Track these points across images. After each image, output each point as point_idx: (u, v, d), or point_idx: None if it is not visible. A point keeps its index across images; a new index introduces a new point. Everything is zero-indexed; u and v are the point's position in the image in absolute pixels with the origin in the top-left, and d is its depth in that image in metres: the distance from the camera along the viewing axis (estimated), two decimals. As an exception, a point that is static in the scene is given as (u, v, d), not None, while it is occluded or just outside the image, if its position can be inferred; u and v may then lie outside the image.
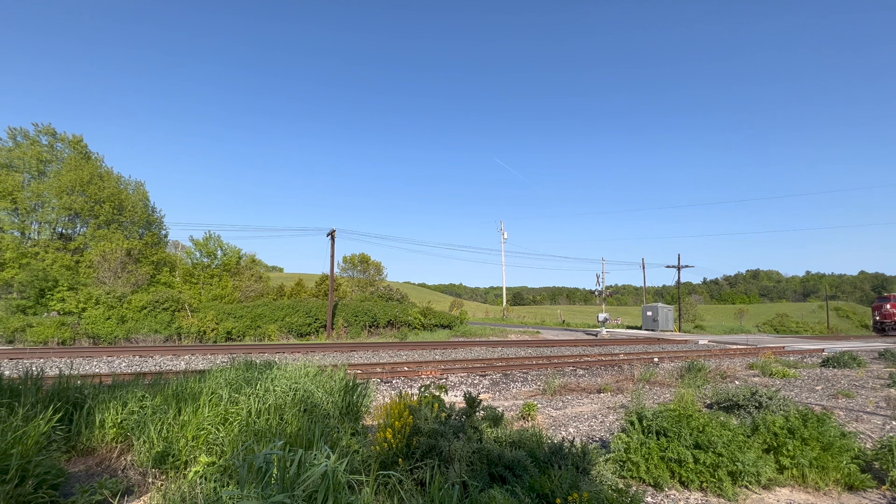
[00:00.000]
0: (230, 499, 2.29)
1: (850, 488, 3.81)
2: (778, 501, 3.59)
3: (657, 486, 3.67)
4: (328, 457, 2.56)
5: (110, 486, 3.18)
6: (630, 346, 20.89)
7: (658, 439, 3.90)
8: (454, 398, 7.38)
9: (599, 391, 8.49)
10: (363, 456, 3.27)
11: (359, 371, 9.61)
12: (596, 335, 29.07)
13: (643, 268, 46.10)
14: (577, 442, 3.81)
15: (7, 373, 6.36)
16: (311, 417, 4.04)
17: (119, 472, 3.62)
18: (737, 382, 9.68)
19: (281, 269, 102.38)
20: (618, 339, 25.98)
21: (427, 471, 2.99)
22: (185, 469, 3.44)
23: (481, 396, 7.60)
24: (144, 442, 3.71)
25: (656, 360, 14.26)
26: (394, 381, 9.21)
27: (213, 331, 21.41)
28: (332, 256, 26.79)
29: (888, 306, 39.05)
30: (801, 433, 4.06)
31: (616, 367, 12.42)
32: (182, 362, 10.86)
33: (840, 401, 7.83)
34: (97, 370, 9.36)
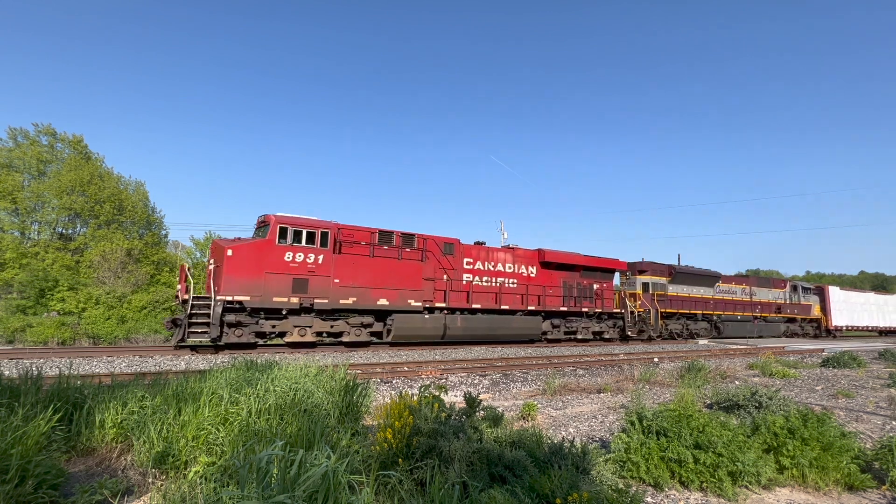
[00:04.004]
0: (230, 499, 2.30)
1: (850, 488, 3.81)
2: (778, 501, 3.59)
3: (657, 486, 3.67)
4: (328, 457, 2.56)
5: (110, 486, 3.18)
6: (630, 345, 20.86)
7: (658, 439, 3.90)
8: (454, 398, 7.37)
9: (599, 391, 8.49)
10: (363, 456, 3.27)
11: (359, 371, 9.60)
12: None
13: (643, 268, 46.25)
14: (577, 442, 3.81)
15: (7, 373, 6.36)
16: (312, 417, 4.03)
17: (119, 472, 3.62)
18: (737, 382, 9.67)
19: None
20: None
21: (427, 471, 2.99)
22: (186, 469, 3.44)
23: (481, 396, 7.59)
24: (144, 442, 3.71)
25: (656, 360, 14.26)
26: (394, 381, 9.21)
27: (213, 331, 21.37)
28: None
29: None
30: (801, 433, 4.06)
31: (616, 367, 12.41)
32: (182, 362, 10.85)
33: (840, 401, 7.83)
34: (97, 370, 9.34)
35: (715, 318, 26.70)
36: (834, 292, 35.13)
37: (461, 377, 10.11)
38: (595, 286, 21.24)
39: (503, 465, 3.20)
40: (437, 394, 3.86)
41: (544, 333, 19.59)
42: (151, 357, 11.50)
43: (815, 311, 33.46)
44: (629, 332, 21.99)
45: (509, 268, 18.88)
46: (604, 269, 21.70)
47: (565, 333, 20.25)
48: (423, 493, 2.82)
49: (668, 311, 24.19)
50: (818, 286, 35.49)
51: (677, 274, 25.37)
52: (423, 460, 3.10)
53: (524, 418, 5.95)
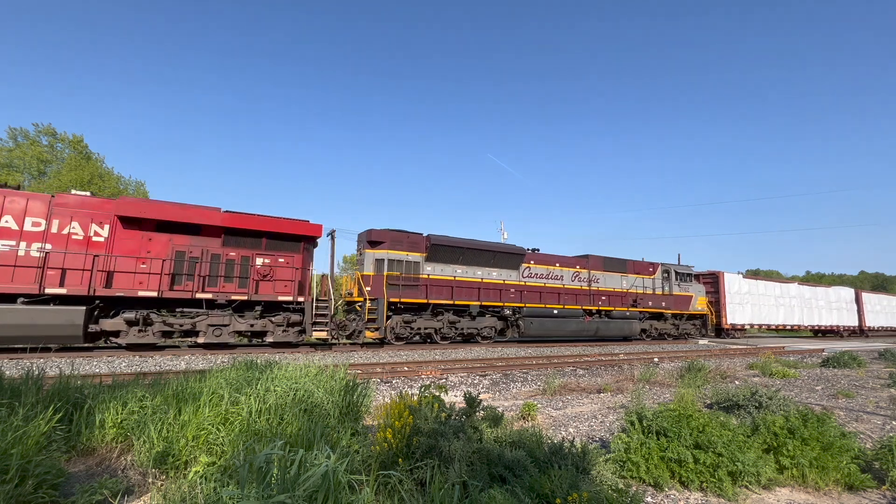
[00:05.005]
0: (230, 499, 2.30)
1: (850, 488, 3.81)
2: (778, 501, 3.59)
3: (657, 486, 3.67)
4: (328, 457, 2.56)
5: (110, 486, 3.18)
6: (630, 345, 20.87)
7: (658, 439, 3.90)
8: (454, 398, 7.38)
9: (599, 391, 8.49)
10: (363, 456, 3.27)
11: (359, 371, 9.61)
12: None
13: (643, 268, 45.87)
14: (577, 442, 3.81)
15: (8, 373, 6.37)
16: (312, 417, 4.04)
17: (119, 472, 3.62)
18: (737, 382, 9.68)
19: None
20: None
21: (427, 471, 2.99)
22: (186, 469, 3.44)
23: (481, 396, 7.60)
24: (144, 442, 3.72)
25: (656, 360, 14.27)
26: (394, 381, 9.21)
27: (213, 331, 21.34)
28: (332, 256, 26.64)
29: None
30: (801, 433, 4.06)
31: (616, 367, 12.42)
32: (182, 362, 10.85)
33: (840, 401, 7.83)
34: (97, 370, 9.35)
35: (509, 311, 18.63)
36: (731, 281, 27.94)
37: (461, 377, 10.12)
38: (261, 261, 13.62)
39: (503, 465, 3.20)
40: (437, 394, 3.87)
41: (105, 335, 12.03)
42: (151, 357, 11.51)
43: (699, 305, 25.46)
44: (317, 332, 14.32)
45: (33, 225, 11.06)
46: (275, 236, 13.91)
47: (168, 335, 12.57)
48: (424, 493, 2.82)
49: (415, 300, 16.42)
50: (711, 273, 28.24)
51: (437, 248, 17.23)
52: (423, 460, 3.11)
53: (524, 418, 5.96)
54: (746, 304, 28.26)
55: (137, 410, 4.19)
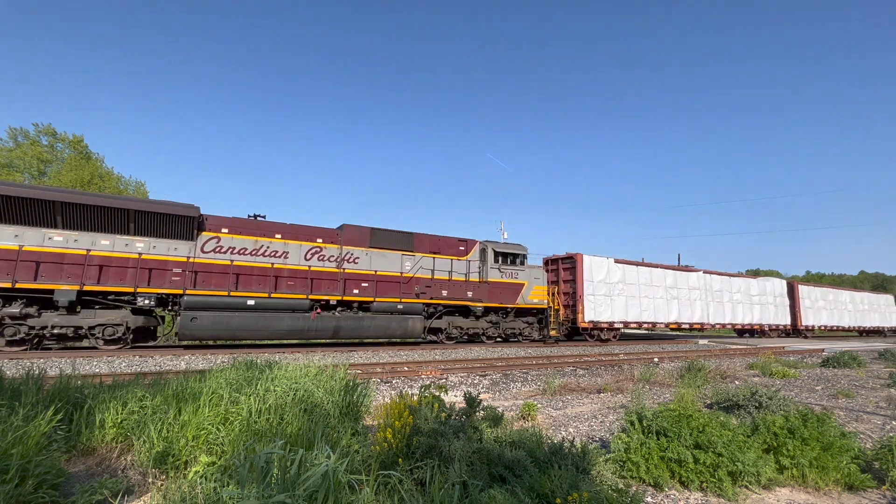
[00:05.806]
0: (230, 499, 2.30)
1: (850, 488, 3.81)
2: (778, 501, 3.60)
3: (657, 486, 3.67)
4: (328, 457, 2.56)
5: (110, 485, 3.19)
6: (630, 345, 20.87)
7: (658, 439, 3.90)
8: (454, 398, 7.38)
9: (599, 391, 8.49)
10: (363, 456, 3.27)
11: (359, 371, 9.60)
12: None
13: (643, 268, 45.56)
14: (577, 442, 3.81)
15: (8, 373, 6.37)
16: (312, 417, 4.04)
17: (119, 472, 3.62)
18: (737, 382, 9.68)
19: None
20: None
21: (427, 470, 2.99)
22: (186, 469, 3.44)
23: (481, 396, 7.60)
24: (144, 442, 3.72)
25: (656, 360, 14.27)
26: (394, 381, 9.21)
27: (212, 331, 21.32)
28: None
29: None
30: (801, 433, 4.07)
31: (616, 367, 12.42)
32: (182, 362, 10.85)
33: (840, 401, 7.83)
34: (97, 370, 9.34)
35: (148, 300, 12.26)
36: (595, 266, 21.48)
37: (461, 377, 10.12)
38: None
39: (503, 464, 3.20)
40: (437, 394, 3.87)
41: None
42: (151, 357, 11.51)
43: (536, 296, 19.30)
44: None
45: None
46: None
47: None
48: (424, 493, 2.82)
49: None
50: (568, 255, 21.63)
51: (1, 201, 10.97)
52: (423, 460, 3.11)
53: (524, 418, 5.96)
54: (618, 295, 21.88)
55: (137, 410, 4.19)
